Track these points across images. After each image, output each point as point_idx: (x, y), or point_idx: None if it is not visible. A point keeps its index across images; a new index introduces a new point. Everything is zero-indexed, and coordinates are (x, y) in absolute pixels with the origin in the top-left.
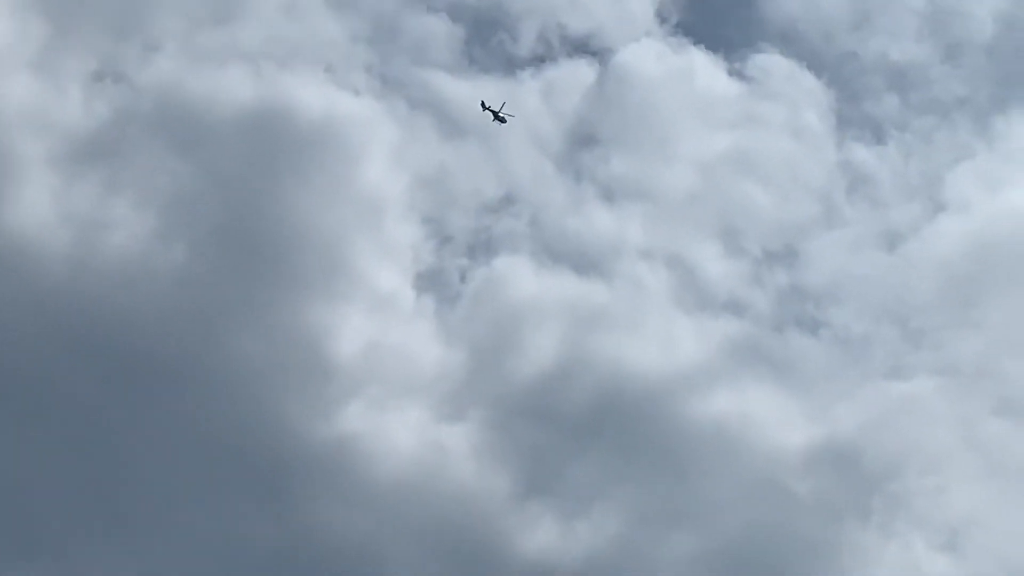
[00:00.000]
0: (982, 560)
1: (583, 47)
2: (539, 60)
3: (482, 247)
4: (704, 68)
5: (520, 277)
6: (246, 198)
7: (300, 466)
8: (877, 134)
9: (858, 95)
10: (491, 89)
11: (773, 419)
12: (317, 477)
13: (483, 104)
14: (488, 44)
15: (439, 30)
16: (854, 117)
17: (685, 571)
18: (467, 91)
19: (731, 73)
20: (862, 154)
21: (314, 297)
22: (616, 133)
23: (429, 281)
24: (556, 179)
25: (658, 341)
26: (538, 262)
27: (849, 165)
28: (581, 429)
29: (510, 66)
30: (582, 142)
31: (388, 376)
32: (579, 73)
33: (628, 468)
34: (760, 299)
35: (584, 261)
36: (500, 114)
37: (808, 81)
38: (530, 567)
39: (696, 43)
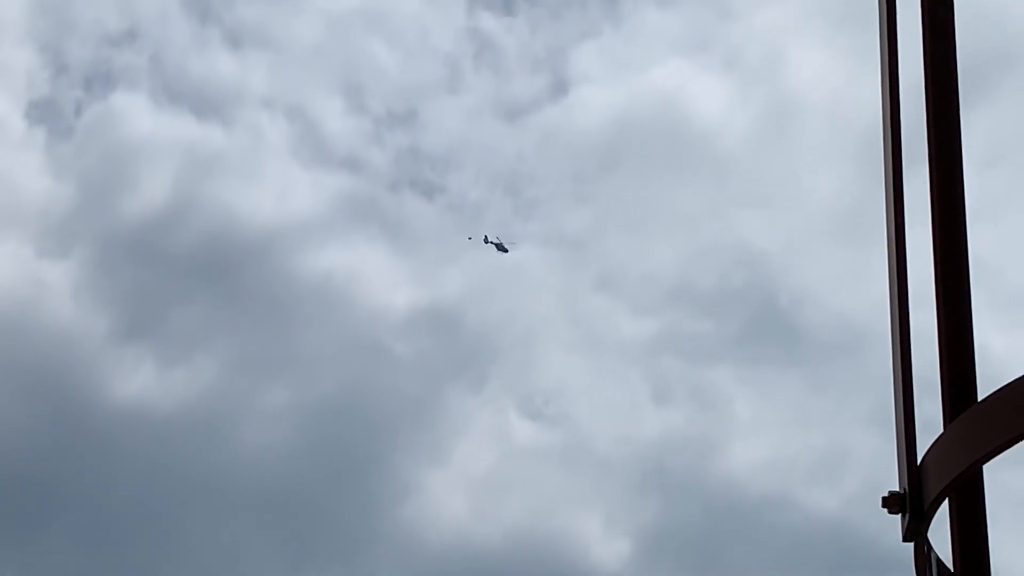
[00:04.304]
0: (572, 430)
1: None
2: None
3: (100, 81)
4: None
5: (137, 115)
6: None
7: None
8: (507, 5)
9: None
10: None
11: (380, 278)
12: None
13: (485, 238)
14: None
15: None
16: None
17: (278, 422)
18: None
19: None
20: (491, 23)
21: None
22: None
23: (42, 111)
24: (181, 18)
25: (273, 191)
26: (156, 101)
27: (477, 33)
28: (187, 274)
29: None
30: None
31: None
32: None
33: (232, 317)
34: (378, 158)
35: (204, 105)
36: (502, 245)
37: None
38: (123, 411)
39: None
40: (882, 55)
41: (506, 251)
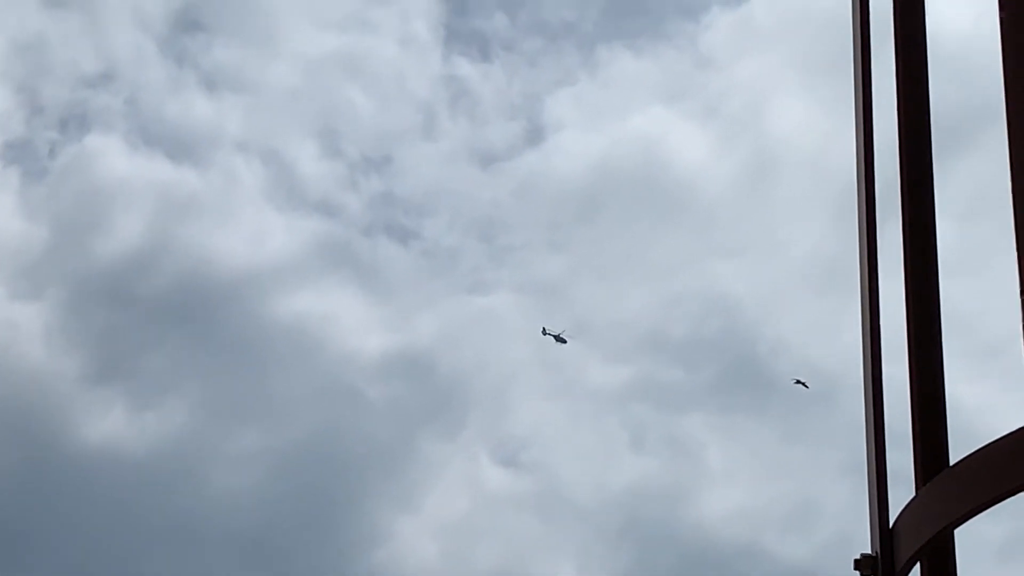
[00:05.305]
0: (544, 477)
1: None
2: None
3: (75, 122)
4: None
5: (111, 157)
6: None
7: None
8: (484, 51)
9: (469, 10)
10: None
11: (353, 323)
12: None
13: (544, 330)
14: None
15: None
16: (463, 32)
17: (249, 466)
18: None
19: None
20: (467, 69)
21: None
22: (222, 22)
23: (15, 152)
24: (157, 61)
25: (247, 235)
26: (131, 144)
27: (453, 79)
28: (160, 317)
29: None
30: (187, 27)
31: None
32: None
33: (204, 360)
34: (353, 203)
35: (179, 148)
36: (561, 336)
37: None
38: (94, 454)
39: None
40: (856, 107)
41: (564, 342)
